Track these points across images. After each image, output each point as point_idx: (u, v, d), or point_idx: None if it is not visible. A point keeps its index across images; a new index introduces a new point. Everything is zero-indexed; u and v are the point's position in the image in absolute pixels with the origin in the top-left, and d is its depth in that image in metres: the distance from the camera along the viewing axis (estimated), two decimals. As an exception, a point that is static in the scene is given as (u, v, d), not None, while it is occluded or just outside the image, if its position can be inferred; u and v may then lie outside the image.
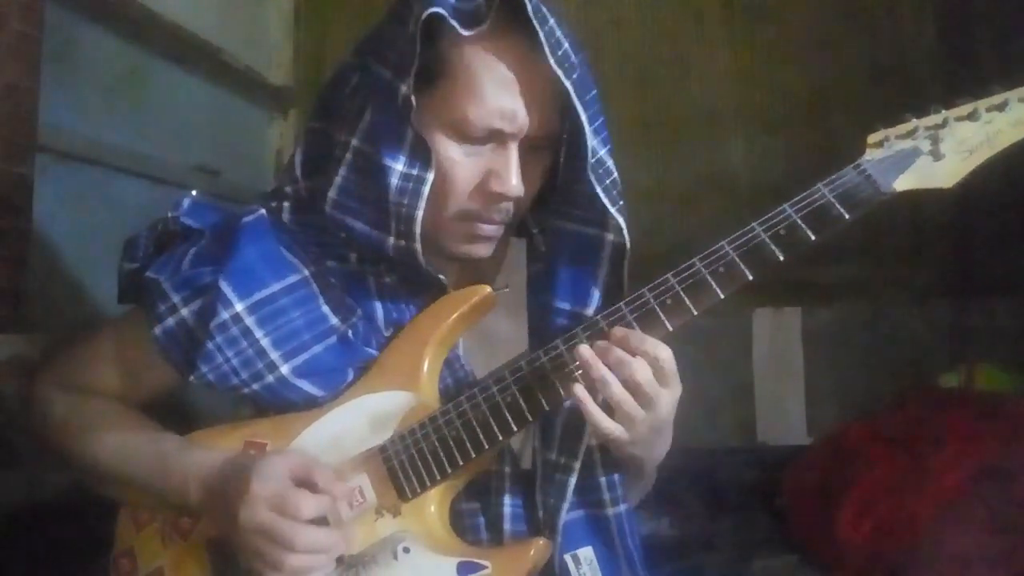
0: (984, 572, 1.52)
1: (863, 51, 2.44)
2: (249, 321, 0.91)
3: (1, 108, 1.44)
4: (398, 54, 0.88)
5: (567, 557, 0.95)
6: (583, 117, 0.89)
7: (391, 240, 0.91)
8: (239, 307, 0.91)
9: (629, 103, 2.43)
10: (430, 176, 0.88)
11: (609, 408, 0.86)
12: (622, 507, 0.99)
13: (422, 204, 0.88)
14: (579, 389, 0.85)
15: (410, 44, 0.86)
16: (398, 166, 0.89)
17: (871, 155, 0.88)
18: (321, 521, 0.86)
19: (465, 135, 0.90)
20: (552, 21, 0.88)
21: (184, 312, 0.93)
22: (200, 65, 2.25)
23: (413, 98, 0.87)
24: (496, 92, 0.89)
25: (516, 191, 0.92)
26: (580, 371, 0.87)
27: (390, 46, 0.90)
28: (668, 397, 0.87)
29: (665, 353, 0.86)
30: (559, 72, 0.87)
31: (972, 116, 0.86)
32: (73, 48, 1.78)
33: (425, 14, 0.84)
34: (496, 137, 0.91)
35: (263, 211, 0.98)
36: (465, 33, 0.86)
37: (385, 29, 0.93)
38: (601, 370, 0.84)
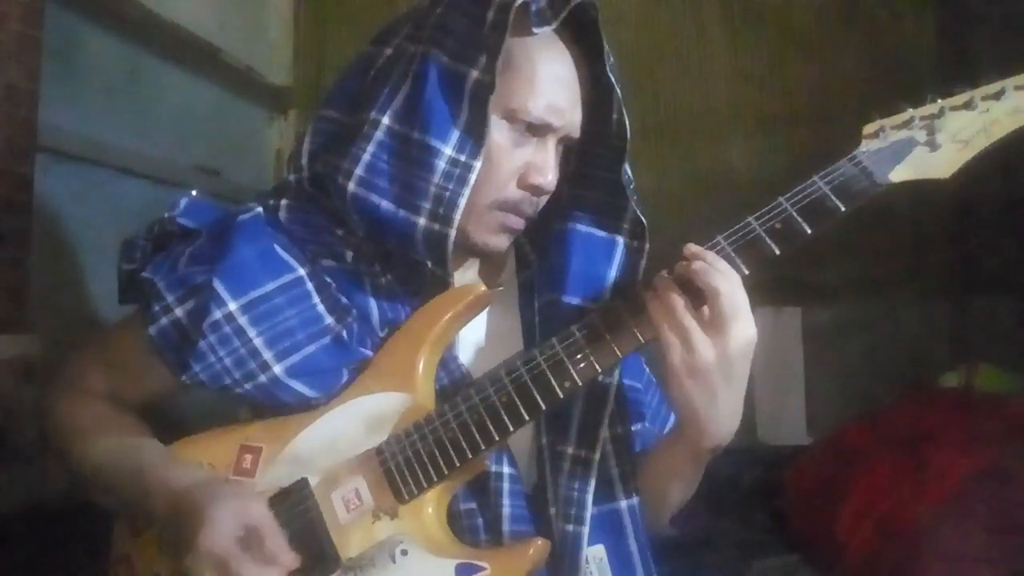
0: (984, 572, 1.52)
1: (863, 51, 2.44)
2: (242, 320, 0.91)
3: (1, 108, 1.44)
4: (462, 41, 0.91)
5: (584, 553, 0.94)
6: (627, 123, 0.95)
7: (421, 222, 0.90)
8: (232, 306, 0.91)
9: (629, 103, 2.42)
10: (478, 164, 0.90)
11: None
12: (635, 499, 0.99)
13: (467, 192, 0.89)
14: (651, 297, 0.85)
15: (493, 30, 0.88)
16: (447, 149, 0.89)
17: (867, 146, 0.87)
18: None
19: (517, 124, 0.93)
20: (603, 35, 0.94)
21: (178, 311, 0.93)
22: (200, 65, 2.25)
23: (496, 81, 0.88)
24: (552, 88, 0.93)
25: (552, 185, 0.96)
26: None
27: (449, 33, 0.92)
28: (740, 332, 0.83)
29: (736, 277, 0.84)
30: (612, 78, 0.93)
31: (968, 105, 0.85)
32: (73, 48, 1.78)
33: (518, 2, 0.87)
34: (542, 131, 0.94)
35: (260, 209, 0.99)
36: (535, 31, 0.90)
37: (439, 16, 0.94)
38: (665, 280, 0.85)
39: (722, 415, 0.87)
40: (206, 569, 0.82)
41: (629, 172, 0.98)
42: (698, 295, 0.84)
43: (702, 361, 0.83)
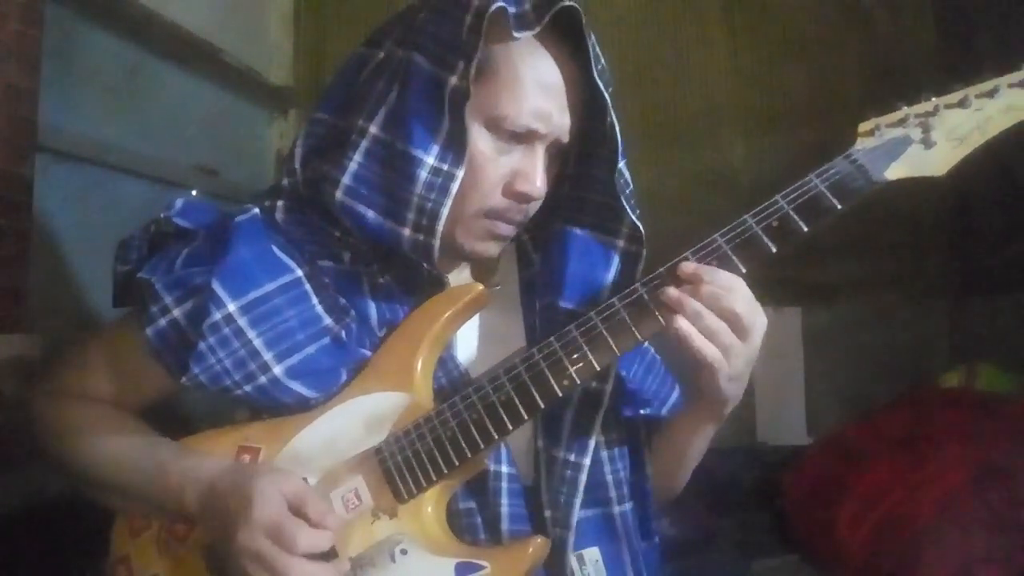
0: (984, 572, 1.52)
1: (863, 51, 2.44)
2: (242, 321, 0.91)
3: (1, 108, 1.44)
4: (443, 46, 0.90)
5: (572, 556, 0.95)
6: (617, 128, 0.94)
7: (406, 232, 0.90)
8: (232, 307, 0.91)
9: (629, 103, 2.42)
10: (460, 173, 0.89)
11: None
12: (628, 505, 0.99)
13: (449, 201, 0.89)
14: (680, 320, 0.85)
15: (470, 35, 0.88)
16: (429, 159, 0.89)
17: (862, 144, 0.88)
18: (313, 556, 0.85)
19: (501, 132, 0.92)
20: (592, 36, 0.93)
21: (176, 313, 0.93)
22: (200, 65, 2.25)
23: (472, 88, 0.88)
24: (537, 94, 0.92)
25: (540, 192, 0.95)
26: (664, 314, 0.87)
27: (431, 37, 0.91)
28: (760, 323, 0.88)
29: (739, 282, 0.87)
30: (599, 83, 0.92)
31: (963, 103, 0.86)
32: (73, 48, 1.78)
33: (492, 8, 0.86)
34: (528, 138, 0.93)
35: (257, 211, 0.98)
36: (517, 35, 0.88)
37: (423, 20, 0.93)
38: (694, 304, 0.85)
39: (742, 388, 0.93)
40: (262, 540, 0.82)
41: (627, 176, 0.98)
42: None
43: (740, 365, 0.88)
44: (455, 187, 0.89)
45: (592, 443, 0.96)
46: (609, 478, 0.98)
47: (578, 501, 0.94)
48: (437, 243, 0.90)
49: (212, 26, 2.26)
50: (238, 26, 2.45)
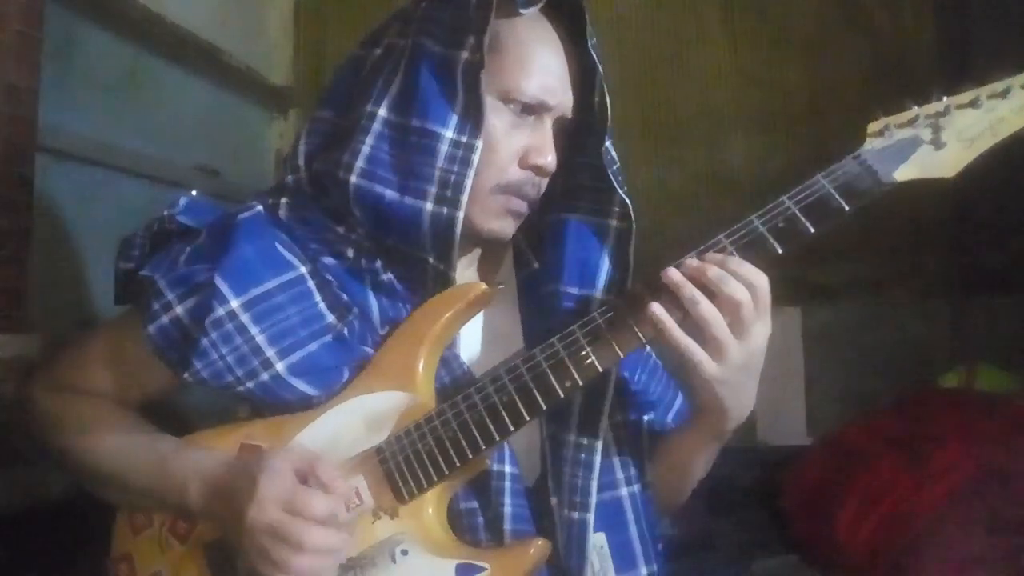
0: (984, 572, 1.51)
1: (863, 51, 2.44)
2: (244, 318, 0.91)
3: (1, 108, 1.44)
4: (450, 27, 0.92)
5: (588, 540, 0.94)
6: (608, 103, 0.95)
7: (428, 207, 0.91)
8: (234, 304, 0.91)
9: (629, 103, 2.43)
10: (479, 144, 0.91)
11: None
12: (637, 487, 0.99)
13: (472, 173, 0.90)
14: (657, 308, 0.84)
15: (479, 11, 0.90)
16: (448, 132, 0.90)
17: (871, 145, 0.87)
18: (327, 522, 0.85)
19: (513, 104, 0.94)
20: (587, 15, 0.95)
21: (179, 309, 0.93)
22: (200, 65, 2.24)
23: (486, 59, 0.90)
24: (544, 67, 0.94)
25: (553, 166, 0.96)
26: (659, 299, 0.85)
27: (436, 22, 0.93)
28: (761, 330, 0.85)
29: (763, 281, 0.84)
30: (595, 57, 0.94)
31: (974, 104, 0.85)
32: (73, 48, 1.78)
33: None
34: (538, 110, 0.95)
35: (260, 208, 0.99)
36: (522, 11, 0.91)
37: (425, 9, 0.95)
38: (692, 289, 0.83)
39: (745, 401, 0.90)
40: (275, 512, 0.82)
41: (613, 153, 0.98)
42: (716, 301, 0.84)
43: (733, 367, 0.85)
44: (476, 158, 0.90)
45: (602, 425, 0.96)
46: (616, 459, 0.99)
47: (595, 484, 0.94)
48: (462, 215, 0.90)
49: (212, 26, 2.25)
50: (238, 26, 2.45)
